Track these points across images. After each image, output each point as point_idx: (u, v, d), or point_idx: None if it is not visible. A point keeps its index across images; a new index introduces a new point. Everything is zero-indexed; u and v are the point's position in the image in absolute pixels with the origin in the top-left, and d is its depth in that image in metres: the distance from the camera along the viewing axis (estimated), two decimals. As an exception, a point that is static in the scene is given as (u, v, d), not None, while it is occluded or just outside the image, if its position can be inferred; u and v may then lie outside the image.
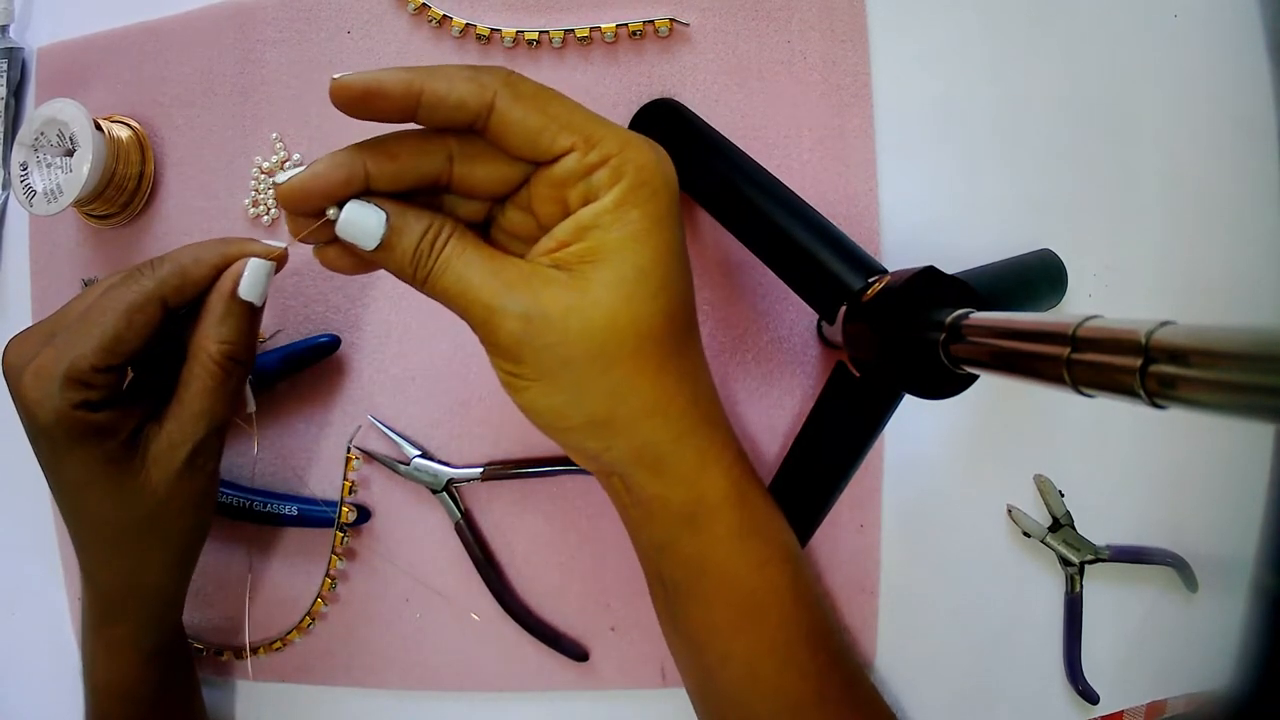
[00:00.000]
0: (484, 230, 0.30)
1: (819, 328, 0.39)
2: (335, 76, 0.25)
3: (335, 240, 0.28)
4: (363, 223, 0.27)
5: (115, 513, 0.32)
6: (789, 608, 0.32)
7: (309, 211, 0.27)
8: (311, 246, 0.29)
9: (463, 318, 0.28)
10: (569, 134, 0.27)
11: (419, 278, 0.28)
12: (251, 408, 0.36)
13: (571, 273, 0.27)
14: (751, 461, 0.33)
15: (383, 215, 0.27)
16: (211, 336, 0.31)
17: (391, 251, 0.27)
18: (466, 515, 0.40)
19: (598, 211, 0.27)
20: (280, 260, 0.32)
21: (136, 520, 0.32)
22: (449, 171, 0.28)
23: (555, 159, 0.27)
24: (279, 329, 0.41)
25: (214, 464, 0.33)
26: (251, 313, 0.32)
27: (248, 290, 0.31)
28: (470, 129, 0.27)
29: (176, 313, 0.32)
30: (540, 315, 0.27)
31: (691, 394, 0.30)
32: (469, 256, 0.27)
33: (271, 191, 0.41)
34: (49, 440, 0.31)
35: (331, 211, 0.27)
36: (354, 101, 0.26)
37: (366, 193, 0.27)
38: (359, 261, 0.29)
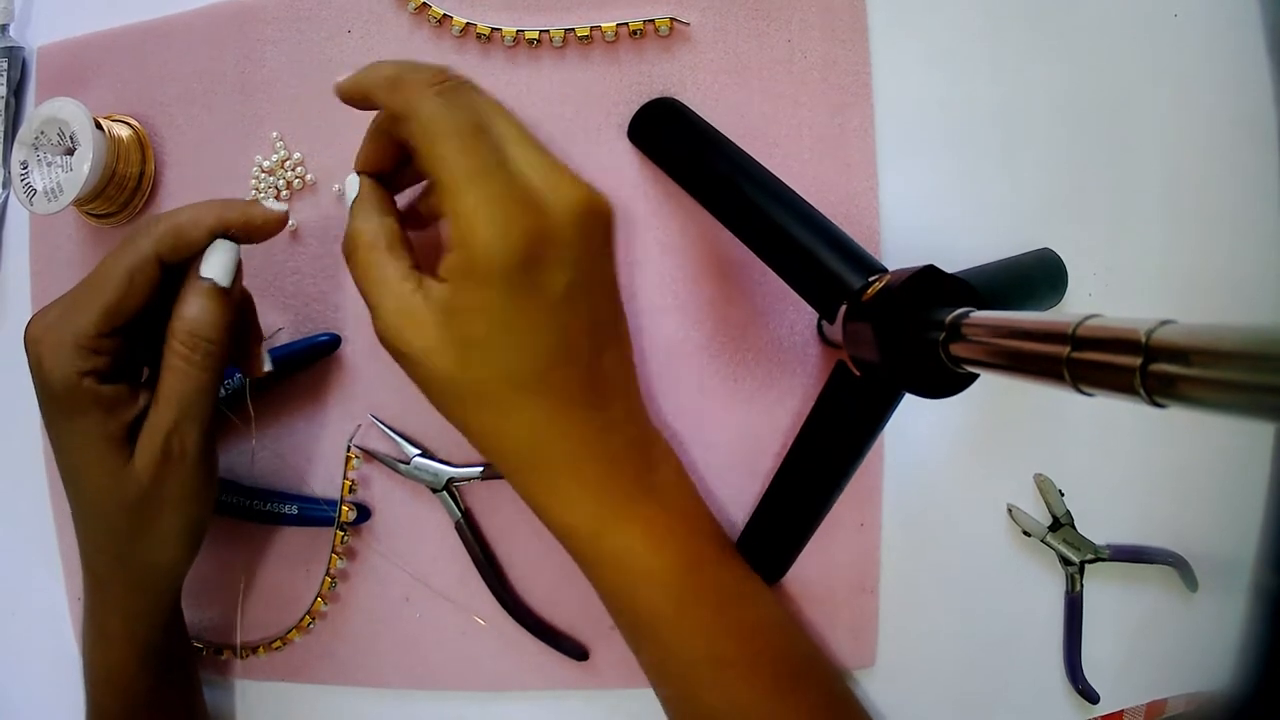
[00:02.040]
0: None
1: (819, 327, 0.39)
2: (337, 81, 0.31)
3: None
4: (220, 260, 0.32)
5: (107, 494, 0.32)
6: (751, 659, 0.33)
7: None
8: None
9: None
10: (437, 176, 0.28)
11: (346, 253, 0.31)
12: (268, 366, 0.36)
13: (440, 312, 0.29)
14: (701, 510, 0.35)
15: (355, 191, 0.32)
16: (178, 316, 0.31)
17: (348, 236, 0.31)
18: (467, 514, 0.40)
19: (445, 267, 0.28)
20: (277, 223, 0.33)
21: (125, 505, 0.32)
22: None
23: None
24: (279, 329, 0.41)
25: (195, 454, 0.32)
26: (218, 293, 0.32)
27: (209, 268, 0.32)
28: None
29: (174, 275, 0.32)
30: (402, 355, 0.30)
31: (607, 451, 0.31)
32: (381, 263, 0.30)
33: (272, 190, 0.41)
34: (58, 409, 0.31)
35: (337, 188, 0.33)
36: (343, 101, 0.31)
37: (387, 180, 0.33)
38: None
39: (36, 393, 0.32)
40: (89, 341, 0.30)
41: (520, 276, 0.27)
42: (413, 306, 0.29)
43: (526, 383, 0.29)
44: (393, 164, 0.33)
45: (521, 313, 0.28)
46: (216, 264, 0.32)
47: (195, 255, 0.32)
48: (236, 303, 0.33)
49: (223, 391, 0.39)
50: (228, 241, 0.32)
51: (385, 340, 0.30)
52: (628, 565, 0.32)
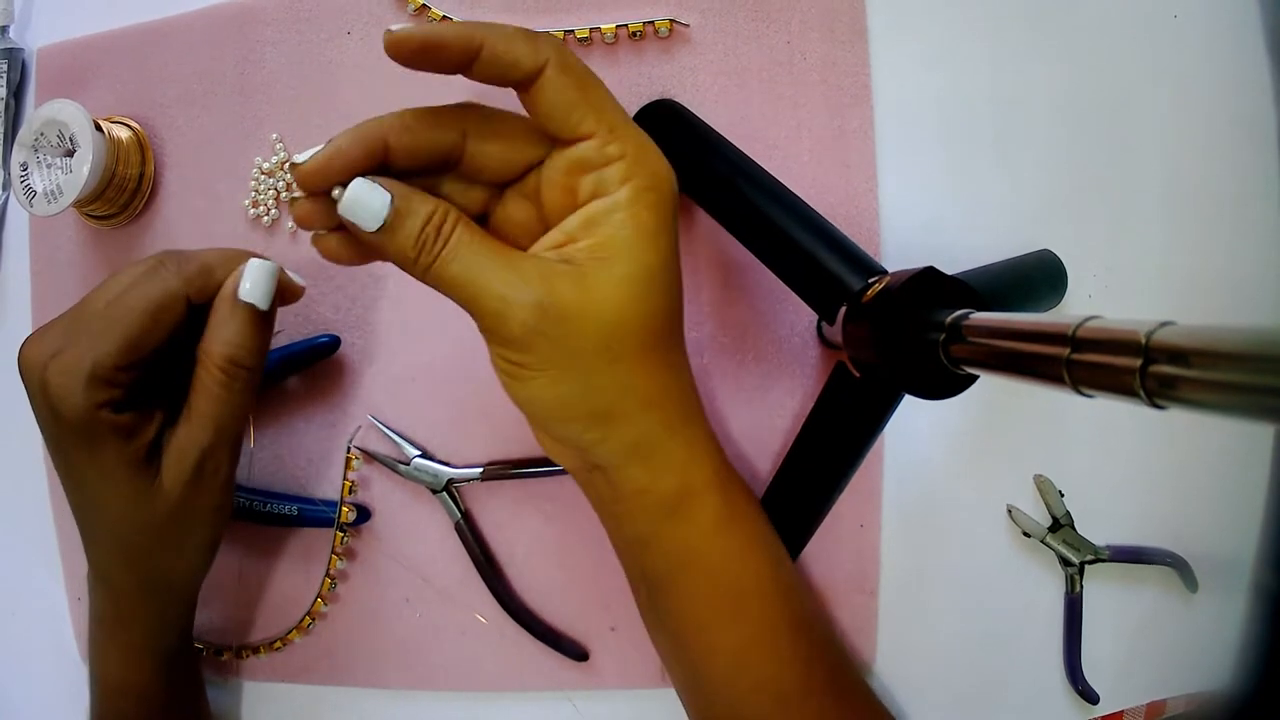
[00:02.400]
0: (481, 224, 0.30)
1: (819, 328, 0.39)
2: (392, 29, 0.25)
3: (338, 228, 0.28)
4: (367, 201, 0.26)
5: (131, 516, 0.32)
6: (771, 597, 0.32)
7: (328, 188, 0.26)
8: (310, 248, 0.29)
9: (467, 307, 0.27)
10: (596, 118, 0.27)
11: (422, 264, 0.27)
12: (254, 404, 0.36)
13: (581, 267, 0.27)
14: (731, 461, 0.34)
15: (388, 195, 0.26)
16: (215, 339, 0.31)
17: (394, 234, 0.27)
18: (466, 515, 0.40)
19: (609, 208, 0.27)
20: (294, 295, 0.32)
21: (151, 525, 0.32)
22: (462, 148, 0.28)
23: (575, 141, 0.27)
24: (279, 329, 0.41)
25: (225, 473, 0.33)
26: (256, 316, 0.31)
27: (248, 291, 0.31)
28: (516, 86, 0.27)
29: (195, 312, 0.31)
30: (554, 307, 0.26)
31: (681, 388, 0.31)
32: (477, 245, 0.27)
33: (271, 192, 0.41)
34: (71, 440, 0.30)
35: (336, 191, 0.26)
36: (413, 54, 0.25)
37: (376, 172, 0.27)
38: (360, 250, 0.28)
39: (41, 419, 0.31)
40: (107, 374, 0.29)
41: (677, 208, 0.29)
42: (547, 271, 0.27)
43: (679, 315, 0.30)
44: (450, 151, 0.28)
45: (674, 249, 0.29)
46: (256, 287, 0.31)
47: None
48: (272, 325, 0.33)
49: None
50: (266, 262, 0.31)
51: (538, 317, 0.26)
52: (686, 473, 0.31)
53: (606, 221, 0.27)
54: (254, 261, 0.31)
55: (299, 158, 0.26)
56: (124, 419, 0.30)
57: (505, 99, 0.28)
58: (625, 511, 0.31)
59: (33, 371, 0.30)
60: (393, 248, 0.27)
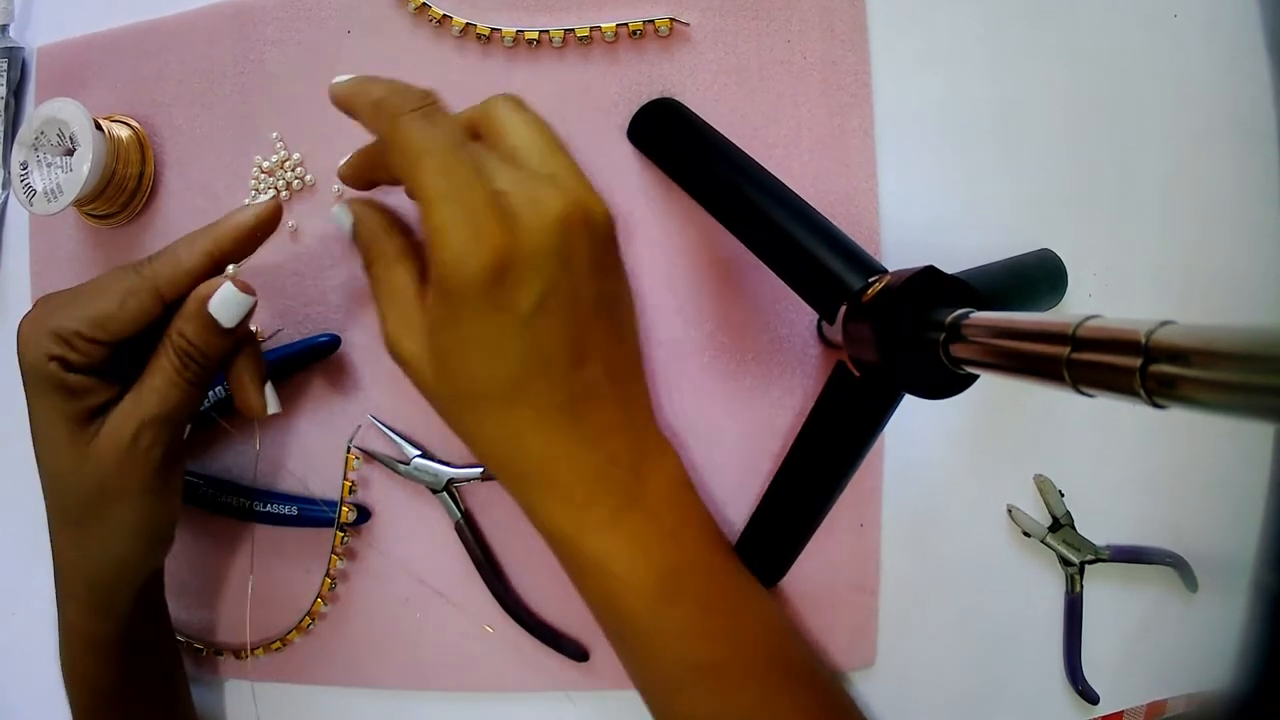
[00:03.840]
0: None
1: (819, 328, 0.39)
2: (334, 82, 0.32)
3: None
4: (336, 215, 0.34)
5: (66, 474, 0.33)
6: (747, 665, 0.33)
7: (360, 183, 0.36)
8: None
9: None
10: (414, 197, 0.29)
11: (364, 265, 0.34)
12: (274, 408, 0.36)
13: (428, 323, 0.30)
14: (703, 509, 0.36)
15: (349, 219, 0.34)
16: (177, 329, 0.32)
17: (355, 241, 0.34)
18: (467, 515, 0.40)
19: (430, 281, 0.30)
20: (270, 218, 0.34)
21: (81, 487, 0.33)
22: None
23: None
24: (279, 329, 0.41)
25: (158, 454, 0.33)
26: (220, 328, 0.33)
27: (217, 307, 0.32)
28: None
29: (173, 304, 0.33)
30: (397, 359, 0.32)
31: (591, 462, 0.31)
32: (391, 273, 0.32)
33: (271, 191, 0.41)
34: (28, 386, 0.32)
35: (335, 208, 0.35)
36: (335, 105, 0.32)
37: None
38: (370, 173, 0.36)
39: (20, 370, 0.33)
40: (66, 335, 0.31)
41: (487, 292, 0.28)
42: (410, 316, 0.31)
43: (501, 394, 0.30)
44: (372, 181, 0.36)
45: (489, 326, 0.29)
46: (225, 309, 0.33)
47: (203, 278, 0.33)
48: (238, 337, 0.34)
49: (214, 397, 0.39)
50: (243, 295, 0.33)
51: (387, 346, 0.32)
52: (609, 571, 0.32)
53: (429, 293, 0.30)
54: (228, 287, 0.33)
55: (342, 161, 0.36)
56: (73, 379, 0.32)
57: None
58: (570, 575, 0.34)
59: (19, 327, 0.33)
60: (357, 247, 0.34)
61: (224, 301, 0.32)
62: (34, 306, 0.33)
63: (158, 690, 0.39)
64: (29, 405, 0.33)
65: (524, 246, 0.28)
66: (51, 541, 0.35)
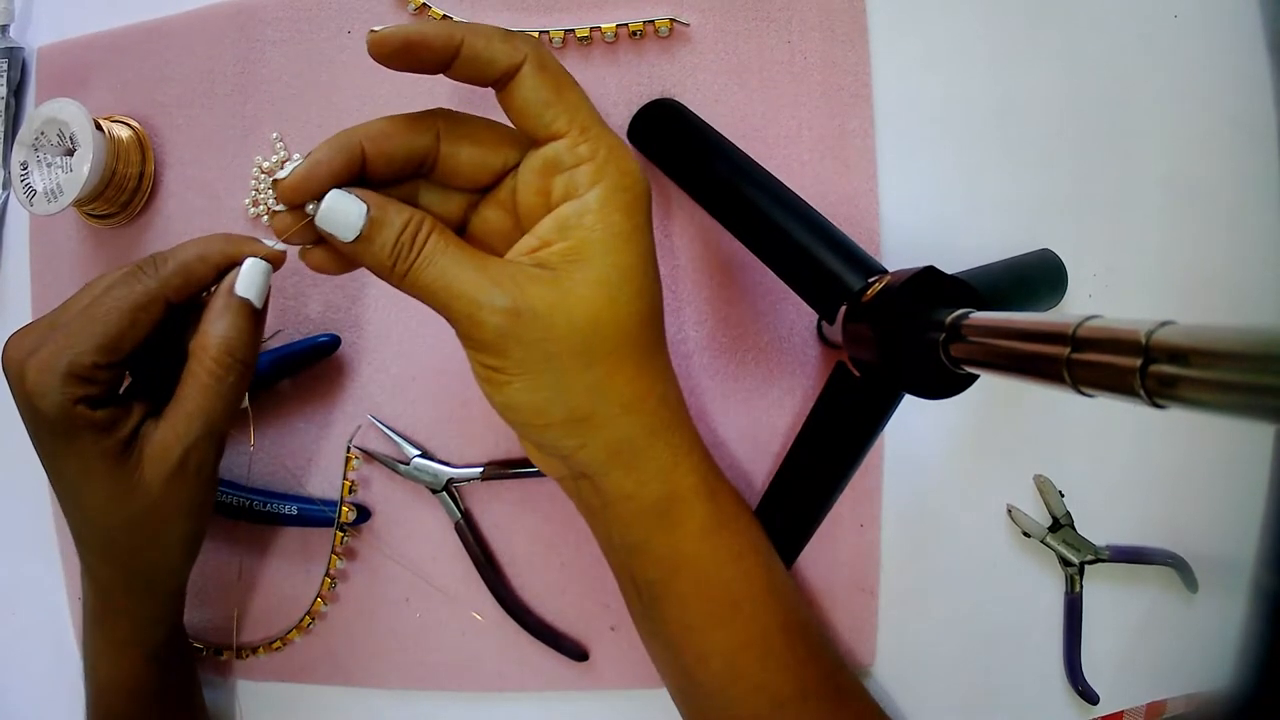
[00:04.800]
0: (459, 233, 0.30)
1: (819, 328, 0.39)
2: (374, 29, 0.26)
3: (320, 241, 0.29)
4: (344, 212, 0.27)
5: (111, 509, 0.32)
6: (764, 600, 0.32)
7: (311, 200, 0.28)
8: (301, 261, 0.29)
9: (443, 313, 0.28)
10: (569, 118, 0.27)
11: (399, 272, 0.28)
12: (243, 402, 0.36)
13: (555, 271, 0.28)
14: (717, 463, 0.34)
15: (363, 205, 0.27)
16: (209, 333, 0.31)
17: (370, 244, 0.27)
18: (466, 515, 0.40)
19: (580, 210, 0.27)
20: (278, 261, 0.32)
21: (131, 518, 0.32)
22: (436, 152, 0.29)
23: (548, 140, 0.28)
24: (279, 329, 0.41)
25: (210, 469, 0.33)
26: (251, 312, 0.32)
27: (244, 287, 0.31)
28: (494, 85, 0.28)
29: (178, 310, 0.32)
30: (527, 310, 0.27)
31: (663, 392, 0.31)
32: (451, 251, 0.28)
33: (271, 191, 0.41)
34: (49, 434, 0.31)
35: (310, 206, 0.27)
36: (394, 53, 0.26)
37: (357, 183, 0.28)
38: (344, 261, 0.29)
39: (23, 415, 0.31)
40: (84, 371, 0.30)
41: (650, 210, 0.29)
42: (522, 276, 0.27)
43: (654, 322, 0.30)
44: (425, 155, 0.29)
45: (650, 245, 0.29)
46: (252, 284, 0.31)
47: (204, 290, 0.32)
48: (264, 325, 0.33)
49: None
50: (262, 262, 0.32)
51: (508, 321, 0.27)
52: (684, 500, 0.31)
53: (578, 224, 0.27)
54: (251, 261, 0.32)
55: (280, 174, 0.27)
56: (100, 414, 0.30)
57: (487, 106, 0.29)
58: (613, 518, 0.32)
59: (12, 368, 0.30)
60: (369, 257, 0.28)
61: (249, 278, 0.31)
62: (13, 346, 0.31)
63: (186, 690, 0.40)
64: (50, 452, 0.31)
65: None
66: (87, 567, 0.34)
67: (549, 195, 0.28)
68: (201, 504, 0.34)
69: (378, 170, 0.28)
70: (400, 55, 0.26)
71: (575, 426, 0.29)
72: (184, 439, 0.31)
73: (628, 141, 0.39)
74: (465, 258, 0.28)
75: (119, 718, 0.37)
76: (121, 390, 0.32)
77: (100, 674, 0.36)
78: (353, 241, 0.27)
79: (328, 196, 0.27)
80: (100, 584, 0.34)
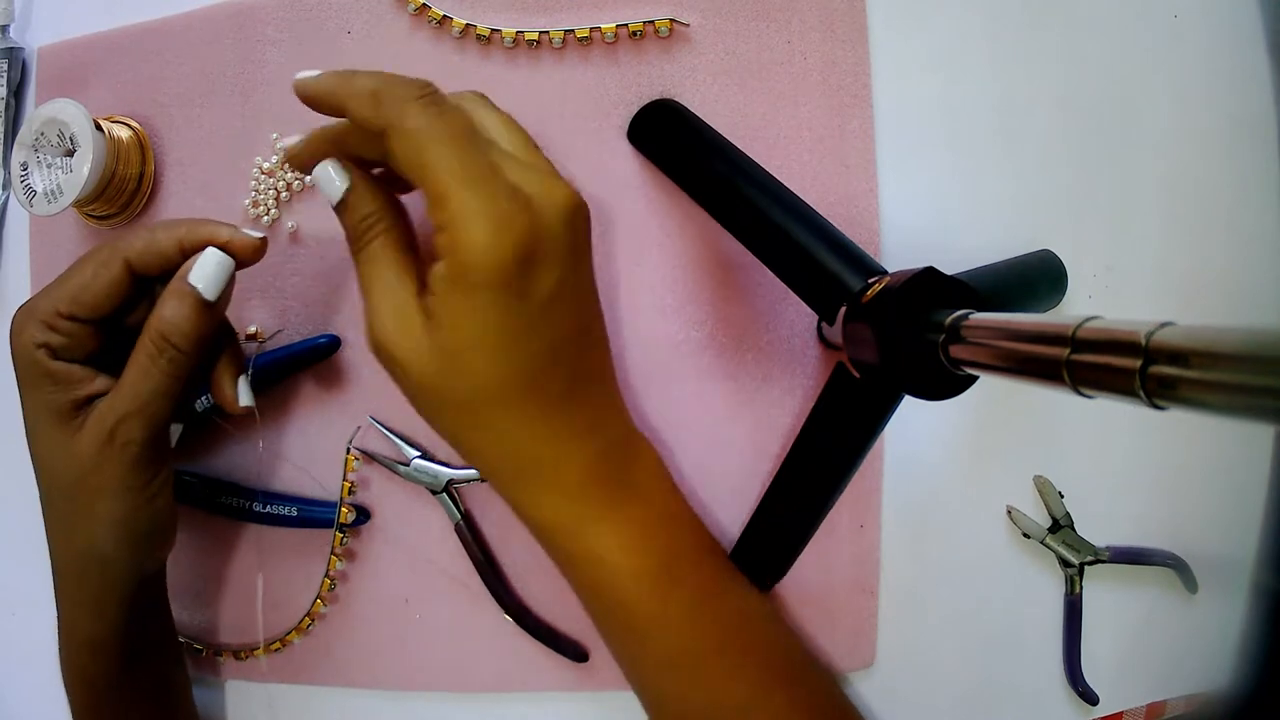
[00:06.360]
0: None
1: (819, 328, 0.39)
2: (297, 77, 0.30)
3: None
4: (326, 182, 0.31)
5: (55, 467, 0.33)
6: (735, 651, 0.33)
7: (310, 166, 0.31)
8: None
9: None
10: (428, 184, 0.28)
11: (353, 251, 0.31)
12: (245, 401, 0.35)
13: (430, 319, 0.29)
14: (687, 506, 0.35)
15: (345, 182, 0.30)
16: (155, 313, 0.32)
17: (343, 215, 0.31)
18: (466, 516, 0.40)
19: (434, 278, 0.28)
20: (248, 251, 0.33)
21: (69, 484, 0.33)
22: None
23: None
24: (279, 329, 0.41)
25: (136, 448, 0.32)
26: (198, 302, 0.32)
27: (196, 276, 0.32)
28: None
29: (145, 281, 0.33)
30: (383, 351, 0.29)
31: (587, 453, 0.31)
32: (386, 259, 0.30)
33: (272, 192, 0.41)
34: (19, 377, 0.33)
35: (309, 178, 0.32)
36: (306, 103, 0.30)
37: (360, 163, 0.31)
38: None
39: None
40: (48, 318, 0.32)
41: (514, 278, 0.27)
42: (406, 311, 0.29)
43: (514, 389, 0.29)
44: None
45: (514, 315, 0.28)
46: (204, 274, 0.32)
47: (173, 266, 0.33)
48: (218, 319, 0.33)
49: (208, 401, 0.39)
50: (219, 253, 0.32)
51: (375, 341, 0.30)
52: (607, 562, 0.32)
53: (436, 288, 0.28)
54: (209, 251, 0.32)
55: (285, 142, 0.32)
56: (57, 366, 0.32)
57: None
58: (566, 570, 0.34)
59: (11, 322, 0.33)
60: (344, 224, 0.31)
61: (203, 268, 0.32)
62: (26, 303, 0.33)
63: (157, 691, 0.39)
64: (21, 397, 0.33)
65: (544, 230, 0.28)
66: (49, 544, 0.35)
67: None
68: (132, 488, 0.33)
69: (366, 158, 0.31)
70: (312, 106, 0.30)
71: (505, 482, 0.32)
72: (116, 410, 0.32)
73: (628, 141, 0.39)
74: (392, 274, 0.29)
75: (77, 702, 0.36)
76: (88, 356, 0.33)
77: (60, 653, 0.36)
78: (334, 207, 0.31)
79: (318, 167, 0.31)
80: (54, 561, 0.35)
